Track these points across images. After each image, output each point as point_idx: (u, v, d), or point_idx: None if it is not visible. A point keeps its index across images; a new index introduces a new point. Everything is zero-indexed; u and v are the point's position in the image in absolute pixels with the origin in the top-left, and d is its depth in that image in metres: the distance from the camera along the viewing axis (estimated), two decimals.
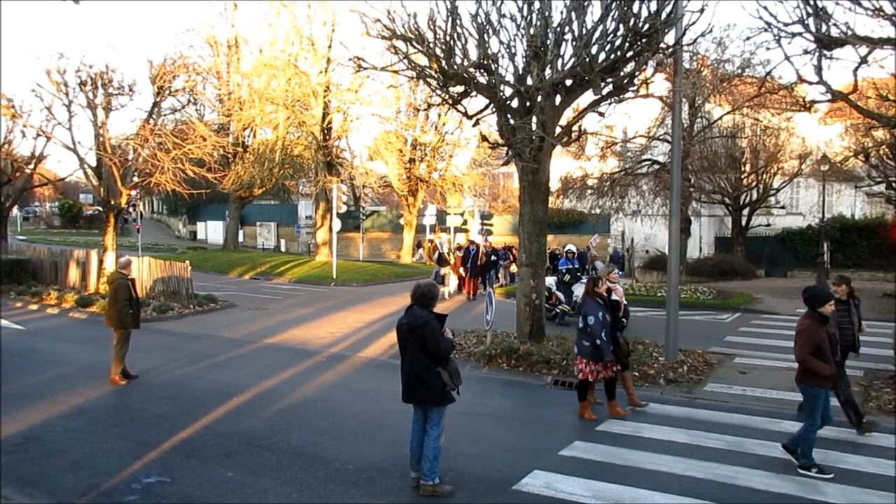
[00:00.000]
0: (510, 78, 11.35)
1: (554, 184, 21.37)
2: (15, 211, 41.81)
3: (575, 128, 12.49)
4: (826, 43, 10.51)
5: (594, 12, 10.70)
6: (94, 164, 18.99)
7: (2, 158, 23.58)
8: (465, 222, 36.11)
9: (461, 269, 21.23)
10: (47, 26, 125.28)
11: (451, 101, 12.25)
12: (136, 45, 78.88)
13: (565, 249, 16.90)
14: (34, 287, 19.06)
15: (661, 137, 21.67)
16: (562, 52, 10.79)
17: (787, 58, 11.25)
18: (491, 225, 36.37)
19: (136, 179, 19.64)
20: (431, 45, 11.28)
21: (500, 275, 24.49)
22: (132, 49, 78.37)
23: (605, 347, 8.02)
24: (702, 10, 10.73)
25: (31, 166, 23.79)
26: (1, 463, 6.62)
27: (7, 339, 13.11)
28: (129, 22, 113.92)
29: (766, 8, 10.92)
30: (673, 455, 6.94)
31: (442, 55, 11.24)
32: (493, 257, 22.81)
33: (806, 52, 10.98)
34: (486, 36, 11.08)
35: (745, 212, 28.72)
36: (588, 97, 11.82)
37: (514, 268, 25.28)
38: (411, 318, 5.94)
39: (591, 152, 24.44)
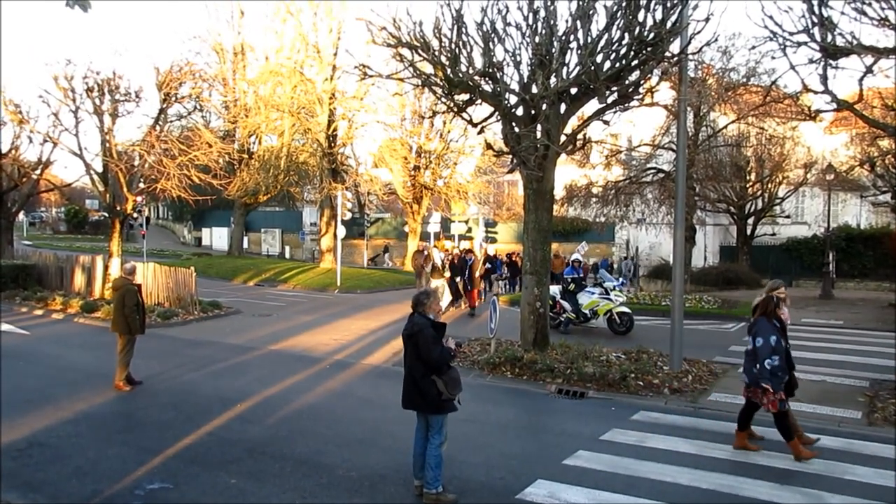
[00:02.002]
0: (515, 86, 11.37)
1: (558, 192, 21.39)
2: (21, 216, 42.06)
3: (580, 136, 12.49)
4: (831, 52, 10.51)
5: (599, 21, 10.75)
6: (100, 169, 19.10)
7: (8, 164, 23.72)
8: (469, 230, 36.11)
9: (458, 281, 19.38)
10: (55, 32, 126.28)
11: (456, 109, 12.28)
12: (142, 51, 79.15)
13: (571, 258, 16.83)
14: (40, 292, 19.10)
15: (665, 146, 21.67)
16: (567, 61, 10.81)
17: (792, 67, 11.26)
18: (495, 233, 36.34)
19: (141, 185, 19.75)
20: (437, 53, 11.31)
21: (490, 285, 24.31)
22: (139, 55, 78.64)
23: (765, 373, 7.04)
24: (707, 20, 10.70)
25: (38, 172, 23.88)
26: (1, 468, 6.63)
27: (12, 344, 13.15)
28: (136, 28, 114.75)
29: (771, 17, 10.94)
30: (678, 465, 6.90)
31: (447, 63, 11.27)
32: (488, 265, 22.56)
33: (811, 61, 10.99)
34: (491, 44, 11.10)
35: (751, 221, 28.66)
36: (593, 105, 11.82)
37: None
38: (410, 325, 6.02)
39: (596, 160, 24.45)
